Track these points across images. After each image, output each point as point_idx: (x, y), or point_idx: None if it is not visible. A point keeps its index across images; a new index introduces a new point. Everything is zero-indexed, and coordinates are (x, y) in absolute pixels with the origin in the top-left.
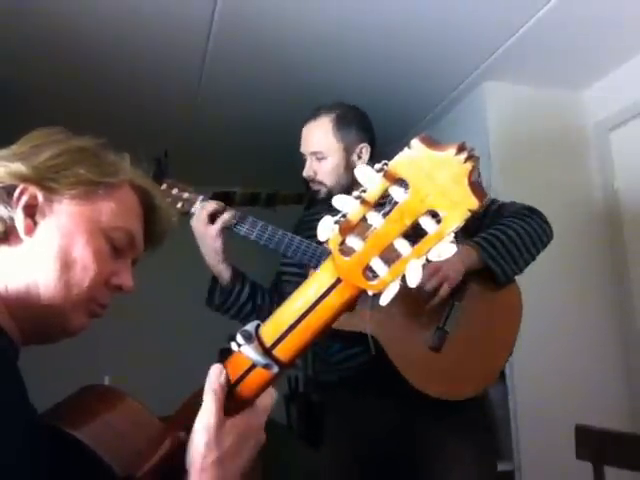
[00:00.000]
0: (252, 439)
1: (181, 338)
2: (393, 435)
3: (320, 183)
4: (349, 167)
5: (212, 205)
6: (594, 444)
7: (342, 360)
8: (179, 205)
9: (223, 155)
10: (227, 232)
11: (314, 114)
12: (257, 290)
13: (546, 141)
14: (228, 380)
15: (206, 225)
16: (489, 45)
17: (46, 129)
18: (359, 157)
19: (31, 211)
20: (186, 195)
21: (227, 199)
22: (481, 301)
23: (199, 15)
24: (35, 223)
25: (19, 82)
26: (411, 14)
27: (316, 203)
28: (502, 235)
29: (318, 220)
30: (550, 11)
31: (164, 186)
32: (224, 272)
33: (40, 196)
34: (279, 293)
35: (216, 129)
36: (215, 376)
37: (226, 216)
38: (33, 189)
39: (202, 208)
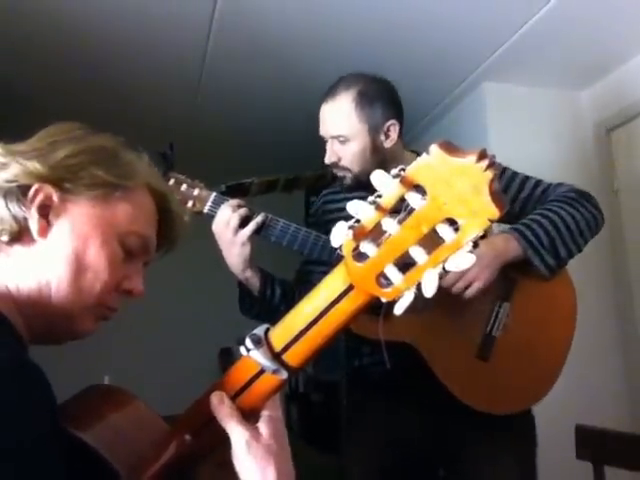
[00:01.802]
0: (283, 428)
1: (181, 338)
2: (425, 445)
3: (345, 169)
4: (377, 149)
5: (244, 208)
6: (594, 444)
7: (368, 365)
8: (189, 204)
9: (223, 153)
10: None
11: (332, 92)
12: (287, 289)
13: (546, 142)
14: (232, 399)
15: (236, 231)
16: (489, 45)
17: (64, 124)
18: (387, 136)
19: (45, 211)
20: (197, 192)
21: (243, 191)
22: (532, 298)
23: (199, 13)
24: (49, 223)
25: (20, 80)
26: (411, 14)
27: (338, 185)
28: (545, 221)
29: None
30: (550, 11)
31: (172, 182)
32: (252, 279)
33: (55, 196)
34: (306, 288)
35: (216, 127)
36: (219, 402)
37: (259, 219)
38: (48, 189)
39: (234, 212)
